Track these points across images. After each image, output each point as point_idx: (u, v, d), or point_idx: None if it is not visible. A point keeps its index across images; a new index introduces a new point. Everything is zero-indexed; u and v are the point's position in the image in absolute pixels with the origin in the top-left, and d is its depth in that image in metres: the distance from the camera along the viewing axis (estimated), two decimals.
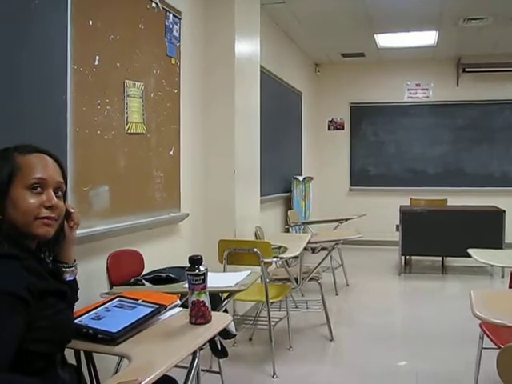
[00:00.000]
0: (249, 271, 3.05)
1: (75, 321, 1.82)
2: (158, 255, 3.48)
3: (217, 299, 2.88)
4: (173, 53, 3.84)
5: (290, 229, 6.79)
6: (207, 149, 4.54)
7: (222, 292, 2.90)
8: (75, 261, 1.83)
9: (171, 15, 3.81)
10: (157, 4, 3.60)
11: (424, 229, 6.92)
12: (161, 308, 2.05)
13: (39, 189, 1.56)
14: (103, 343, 1.83)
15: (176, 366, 1.70)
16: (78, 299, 1.84)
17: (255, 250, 3.75)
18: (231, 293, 2.89)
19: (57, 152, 1.70)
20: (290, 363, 3.96)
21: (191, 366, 1.91)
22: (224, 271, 3.79)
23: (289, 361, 4.01)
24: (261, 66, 5.32)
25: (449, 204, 7.83)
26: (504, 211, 6.73)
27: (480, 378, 3.11)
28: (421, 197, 8.08)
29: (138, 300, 2.12)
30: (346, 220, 6.80)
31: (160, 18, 3.69)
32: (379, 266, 7.68)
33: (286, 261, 4.34)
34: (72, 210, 1.77)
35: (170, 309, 2.11)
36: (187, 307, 2.03)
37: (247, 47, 4.82)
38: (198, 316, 1.98)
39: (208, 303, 1.99)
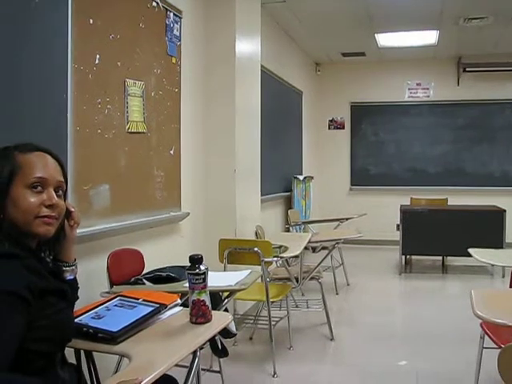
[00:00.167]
0: (249, 270, 3.05)
1: (75, 320, 1.82)
2: (158, 254, 3.48)
3: (217, 298, 2.88)
4: (173, 52, 3.84)
5: (291, 228, 6.79)
6: (208, 148, 4.54)
7: (223, 291, 2.90)
8: (75, 260, 1.83)
9: (172, 14, 3.81)
10: (157, 3, 3.59)
11: (424, 228, 6.92)
12: (161, 307, 2.05)
13: (40, 188, 1.56)
14: (103, 342, 1.82)
15: (176, 365, 1.70)
16: (78, 298, 1.84)
17: (256, 249, 3.75)
18: (231, 292, 2.89)
19: (57, 151, 1.70)
20: (290, 362, 3.96)
21: (191, 365, 1.90)
22: (224, 270, 3.79)
23: (289, 360, 4.01)
24: (261, 66, 5.31)
25: (449, 203, 7.83)
26: (504, 211, 6.73)
27: (481, 378, 3.10)
28: (421, 196, 8.08)
29: (138, 299, 2.12)
30: (347, 219, 6.80)
31: (160, 17, 3.68)
32: (380, 266, 7.67)
33: (287, 260, 4.34)
34: (72, 209, 1.77)
35: (171, 308, 2.10)
36: (188, 306, 2.02)
37: (248, 46, 4.82)
38: (199, 315, 1.97)
39: (208, 302, 1.99)
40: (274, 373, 3.72)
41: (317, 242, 5.28)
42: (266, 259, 3.76)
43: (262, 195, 5.38)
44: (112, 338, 1.81)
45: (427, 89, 9.32)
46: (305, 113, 8.83)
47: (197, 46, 4.37)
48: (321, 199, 9.30)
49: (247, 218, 4.76)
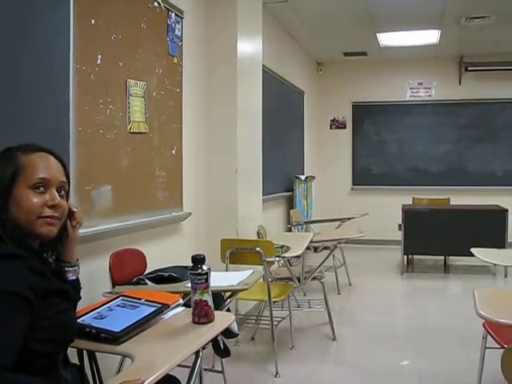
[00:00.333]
0: (251, 270, 3.05)
1: (78, 320, 1.82)
2: (160, 254, 3.48)
3: (219, 298, 2.88)
4: (175, 52, 3.84)
5: (293, 228, 6.79)
6: (209, 148, 4.54)
7: (225, 291, 2.90)
8: (78, 260, 1.83)
9: (173, 14, 3.81)
10: (159, 3, 3.59)
11: (426, 228, 6.91)
12: (163, 307, 2.05)
13: (42, 188, 1.56)
14: (106, 342, 1.82)
15: (179, 365, 1.69)
16: (80, 298, 1.84)
17: (258, 249, 3.75)
18: (234, 292, 2.89)
19: (59, 151, 1.70)
20: (292, 362, 3.96)
21: (194, 365, 1.90)
22: (226, 270, 3.79)
23: (291, 360, 4.01)
24: (263, 65, 5.31)
25: (451, 203, 7.82)
26: (507, 210, 6.72)
27: (483, 378, 3.09)
28: (423, 196, 8.07)
29: (140, 299, 2.12)
30: (349, 219, 6.79)
31: (162, 17, 3.68)
32: (381, 266, 7.67)
33: (289, 260, 4.34)
34: (75, 210, 1.77)
35: (173, 308, 2.11)
36: (190, 306, 2.02)
37: (249, 46, 4.82)
38: (201, 315, 1.97)
39: (211, 302, 1.99)
40: (276, 373, 3.72)
41: (318, 241, 5.28)
42: (268, 259, 3.76)
43: (263, 195, 5.38)
44: (114, 338, 1.82)
45: (429, 88, 9.32)
46: (306, 112, 8.83)
47: (198, 45, 4.37)
48: (322, 199, 9.30)
49: (249, 218, 4.76)
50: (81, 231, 1.87)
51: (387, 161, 9.55)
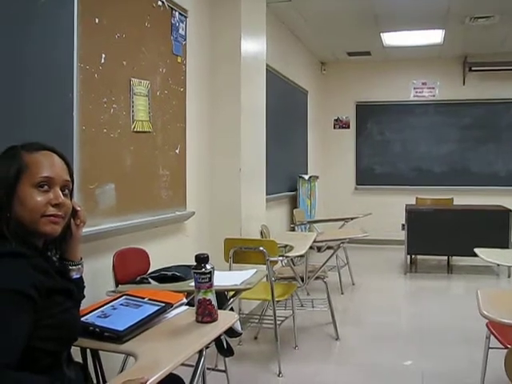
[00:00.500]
0: (255, 270, 3.05)
1: (82, 319, 1.82)
2: (163, 253, 3.48)
3: (223, 298, 2.88)
4: (179, 51, 3.84)
5: (296, 227, 6.79)
6: (213, 147, 4.54)
7: (228, 290, 2.90)
8: (81, 259, 1.83)
9: (177, 13, 3.81)
10: (163, 2, 3.60)
11: (430, 228, 6.91)
12: (167, 306, 2.05)
13: (46, 187, 1.56)
14: (109, 341, 1.83)
15: (182, 364, 1.70)
16: (84, 297, 1.84)
17: (261, 248, 3.75)
18: (237, 291, 2.89)
19: (63, 150, 1.70)
20: (295, 362, 3.96)
21: (197, 364, 1.90)
22: (230, 270, 3.79)
23: (294, 360, 4.01)
24: (267, 65, 5.31)
25: (455, 203, 7.80)
26: (510, 210, 6.71)
27: (486, 378, 3.09)
28: (427, 196, 8.05)
29: (144, 298, 2.12)
30: (352, 219, 6.79)
31: (166, 16, 3.69)
32: (385, 265, 7.67)
33: (292, 259, 4.33)
34: (78, 208, 1.77)
35: (177, 307, 2.10)
36: (193, 306, 2.02)
37: (253, 46, 4.82)
38: (205, 314, 1.97)
39: (214, 302, 1.99)
40: (279, 372, 3.72)
41: (322, 241, 5.27)
42: (272, 258, 3.76)
43: (267, 194, 5.38)
44: (118, 337, 1.82)
45: (433, 88, 9.30)
46: (310, 112, 8.82)
47: (202, 45, 4.37)
48: (326, 198, 9.30)
49: (252, 218, 4.76)
50: (84, 230, 1.87)
51: (391, 161, 9.54)
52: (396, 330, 4.76)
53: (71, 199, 1.67)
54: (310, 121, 8.84)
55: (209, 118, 4.50)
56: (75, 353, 1.80)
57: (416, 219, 6.97)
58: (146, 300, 2.10)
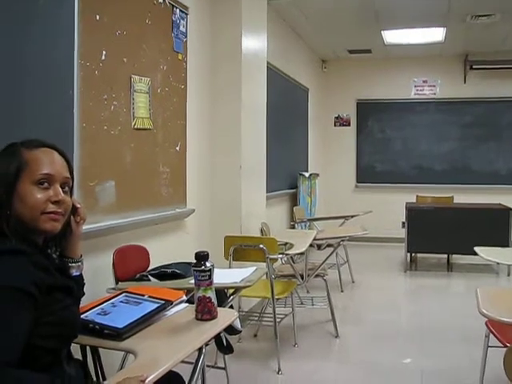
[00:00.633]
0: (254, 267, 3.05)
1: (81, 316, 1.82)
2: (163, 251, 3.48)
3: (222, 295, 2.88)
4: (180, 48, 3.84)
5: (296, 225, 6.79)
6: (213, 145, 4.54)
7: (228, 288, 2.91)
8: (81, 256, 1.83)
9: (178, 10, 3.81)
10: None
11: (430, 226, 6.91)
12: (167, 304, 2.05)
13: (46, 184, 1.56)
14: (109, 338, 1.83)
15: (182, 361, 1.70)
16: (84, 294, 1.84)
17: (261, 246, 3.75)
18: (237, 289, 2.89)
19: (63, 147, 1.69)
20: (295, 360, 3.96)
21: (197, 361, 1.90)
22: (229, 267, 3.79)
23: (294, 357, 4.01)
24: (267, 62, 5.31)
25: (455, 201, 7.81)
26: (510, 209, 6.71)
27: (486, 376, 3.09)
28: (427, 194, 8.05)
29: (144, 296, 2.12)
30: (352, 217, 6.79)
31: (167, 14, 3.68)
32: (385, 263, 7.67)
33: (292, 257, 4.34)
34: (78, 206, 1.77)
35: (176, 304, 2.11)
36: (193, 303, 2.03)
37: (254, 43, 4.81)
38: (204, 312, 1.98)
39: (214, 299, 1.99)
40: (279, 370, 3.72)
41: (322, 239, 5.27)
42: (272, 256, 3.76)
43: (267, 192, 5.38)
44: (118, 334, 1.82)
45: (434, 86, 9.30)
46: (311, 110, 8.82)
47: (203, 42, 4.37)
48: (326, 196, 9.30)
49: (252, 215, 4.76)
50: (84, 227, 1.87)
51: (391, 158, 9.54)
52: (396, 328, 4.76)
53: (71, 196, 1.67)
54: (311, 118, 8.84)
55: (209, 116, 4.50)
56: (75, 350, 1.80)
57: (416, 217, 6.97)
58: (145, 297, 2.10)
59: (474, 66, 8.92)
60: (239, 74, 4.51)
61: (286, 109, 7.22)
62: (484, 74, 8.96)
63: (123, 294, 2.16)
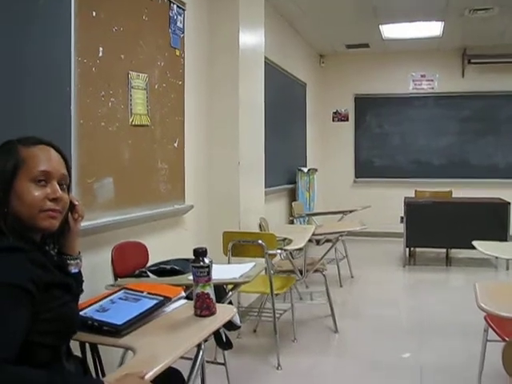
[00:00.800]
0: (253, 263, 3.06)
1: (80, 313, 1.82)
2: (162, 247, 3.48)
3: (221, 291, 2.88)
4: (177, 44, 3.83)
5: (295, 220, 6.79)
6: (211, 140, 4.53)
7: (227, 284, 2.91)
8: (80, 253, 1.83)
9: (175, 6, 3.80)
10: None
11: (429, 221, 6.91)
12: (165, 300, 2.05)
13: (43, 181, 1.56)
14: (108, 335, 1.83)
15: (182, 357, 1.70)
16: (82, 291, 1.84)
17: (260, 241, 3.75)
18: (236, 285, 2.90)
19: (61, 144, 1.69)
20: (294, 355, 3.97)
21: (196, 357, 1.91)
22: (228, 263, 3.79)
23: (293, 352, 4.02)
24: (265, 57, 5.30)
25: (454, 196, 7.81)
26: (509, 203, 6.71)
27: (484, 371, 3.10)
28: (425, 188, 8.05)
29: (142, 292, 2.12)
30: (351, 212, 6.79)
31: (164, 9, 3.67)
32: (383, 258, 7.68)
33: (291, 252, 4.34)
34: (76, 203, 1.77)
35: (175, 301, 2.11)
36: (192, 299, 2.03)
37: (251, 38, 4.80)
38: (203, 308, 1.98)
39: (213, 295, 1.99)
40: (278, 365, 3.73)
41: (321, 234, 5.28)
42: (270, 252, 3.76)
43: (265, 187, 5.38)
44: (117, 331, 1.82)
45: (432, 81, 9.29)
46: (309, 105, 8.82)
47: (200, 38, 4.36)
48: (325, 191, 9.30)
49: (251, 211, 4.76)
50: (83, 224, 1.87)
51: (390, 153, 9.54)
52: (395, 323, 4.76)
53: (69, 193, 1.67)
54: (309, 113, 8.83)
55: (207, 111, 4.49)
56: (74, 347, 1.80)
57: (415, 212, 6.98)
58: (144, 294, 2.11)
59: (472, 60, 8.91)
60: (237, 69, 4.51)
61: (284, 104, 7.21)
62: (482, 68, 8.95)
63: (122, 291, 2.16)
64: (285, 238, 4.12)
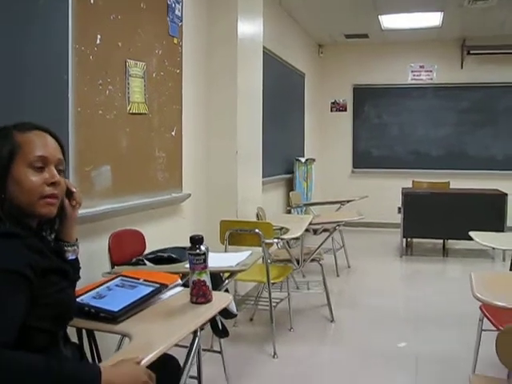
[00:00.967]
0: (250, 252, 3.06)
1: (77, 300, 1.83)
2: (159, 235, 3.48)
3: (218, 279, 2.89)
4: (175, 32, 3.82)
5: (292, 210, 6.79)
6: (209, 129, 4.53)
7: (223, 272, 2.92)
8: (77, 240, 1.84)
9: None
10: None
11: (426, 211, 6.93)
12: (162, 287, 2.06)
13: (41, 167, 1.56)
14: (104, 322, 1.84)
15: (178, 345, 1.71)
16: (79, 278, 1.85)
17: (257, 230, 3.76)
18: (232, 273, 2.90)
19: (58, 132, 1.69)
20: (290, 344, 3.99)
21: (192, 344, 1.92)
22: (225, 252, 3.80)
23: (289, 341, 4.04)
24: (263, 47, 5.28)
25: (451, 187, 7.83)
26: (506, 194, 6.73)
27: (479, 360, 3.12)
28: (423, 179, 8.07)
29: (139, 279, 2.13)
30: (348, 202, 6.80)
31: None
32: (380, 248, 7.70)
33: (288, 242, 4.35)
34: (74, 189, 1.77)
35: (171, 288, 2.12)
36: (188, 287, 2.04)
37: (250, 27, 4.79)
38: (199, 295, 1.99)
39: (209, 282, 2.00)
40: (274, 353, 3.75)
41: (318, 223, 5.29)
42: (267, 241, 3.77)
43: (263, 177, 5.38)
44: (113, 317, 1.83)
45: (430, 71, 9.27)
46: (307, 95, 8.80)
47: (198, 26, 4.34)
48: (322, 181, 9.30)
49: (248, 200, 4.77)
50: (80, 211, 1.87)
51: (388, 144, 9.53)
52: (391, 313, 4.79)
53: (64, 179, 1.67)
54: (307, 103, 8.82)
55: (205, 100, 4.49)
56: (71, 333, 1.81)
57: (412, 202, 6.99)
58: (141, 281, 2.11)
59: (471, 51, 8.90)
60: (235, 58, 4.49)
61: (283, 94, 7.20)
62: (481, 59, 8.94)
63: (119, 278, 2.17)
64: (282, 228, 4.13)
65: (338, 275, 6.02)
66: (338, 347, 4.03)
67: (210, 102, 4.52)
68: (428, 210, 6.92)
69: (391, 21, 7.83)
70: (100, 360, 2.17)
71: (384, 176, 9.41)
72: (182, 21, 3.91)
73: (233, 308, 2.98)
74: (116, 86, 3.09)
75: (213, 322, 2.75)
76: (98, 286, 2.08)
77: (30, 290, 1.41)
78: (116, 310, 1.85)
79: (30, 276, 1.40)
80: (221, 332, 2.93)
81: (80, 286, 1.91)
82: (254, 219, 4.75)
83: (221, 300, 2.06)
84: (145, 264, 2.85)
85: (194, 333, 1.88)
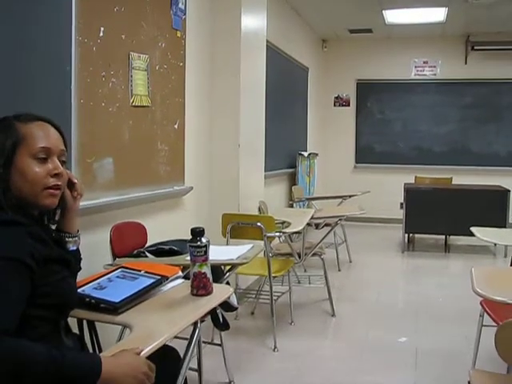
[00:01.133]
0: (251, 245, 3.07)
1: (78, 290, 1.83)
2: (161, 228, 3.49)
3: (219, 272, 2.89)
4: (178, 25, 3.81)
5: (294, 204, 6.80)
6: (212, 123, 4.53)
7: (224, 265, 2.92)
8: (78, 231, 1.84)
9: None
10: None
11: (428, 207, 6.92)
12: (163, 279, 2.07)
13: (44, 157, 1.56)
14: (105, 313, 1.84)
15: (178, 337, 1.72)
16: (80, 269, 1.85)
17: (258, 224, 3.76)
18: (233, 266, 2.91)
19: (61, 123, 1.69)
20: (291, 337, 4.00)
21: (192, 336, 1.92)
22: (227, 245, 3.80)
23: (290, 335, 4.05)
24: (267, 41, 5.28)
25: (454, 183, 7.82)
26: (509, 191, 6.73)
27: (479, 355, 3.12)
28: (426, 175, 8.06)
29: (140, 271, 2.13)
30: (350, 197, 6.79)
31: None
32: (382, 244, 7.70)
33: (290, 236, 4.36)
34: (75, 181, 1.77)
35: (172, 280, 2.12)
36: (189, 279, 2.04)
37: (254, 21, 4.78)
38: (200, 287, 1.99)
39: (209, 275, 2.01)
40: (275, 347, 3.76)
41: (320, 218, 5.29)
42: (269, 234, 3.77)
43: (266, 171, 5.39)
44: (114, 308, 1.84)
45: (434, 67, 9.25)
46: (310, 89, 8.79)
47: (202, 20, 4.34)
48: (325, 176, 9.31)
49: (251, 194, 4.77)
50: (82, 203, 1.88)
51: (391, 139, 9.52)
52: (392, 308, 4.80)
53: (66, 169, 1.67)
54: (310, 98, 8.81)
55: (208, 94, 4.49)
56: (72, 324, 1.82)
57: (414, 198, 6.99)
58: (142, 273, 2.12)
59: (475, 47, 8.86)
60: (238, 52, 4.49)
61: (286, 88, 7.20)
62: (485, 54, 8.91)
63: (120, 270, 2.18)
64: (284, 221, 4.13)
65: (339, 270, 6.03)
66: (338, 341, 4.03)
67: (213, 96, 4.52)
68: (430, 206, 6.92)
69: (395, 16, 7.80)
70: (101, 350, 2.18)
71: (386, 171, 9.40)
72: (185, 14, 3.91)
73: (234, 301, 2.98)
74: (119, 79, 3.09)
75: (214, 314, 2.76)
76: (99, 277, 2.08)
77: (31, 279, 1.42)
78: (117, 301, 1.86)
79: (31, 264, 1.41)
80: (222, 325, 2.93)
81: (81, 277, 1.92)
82: (256, 213, 4.75)
83: (221, 292, 2.06)
84: (146, 256, 2.86)
85: (194, 324, 1.89)
